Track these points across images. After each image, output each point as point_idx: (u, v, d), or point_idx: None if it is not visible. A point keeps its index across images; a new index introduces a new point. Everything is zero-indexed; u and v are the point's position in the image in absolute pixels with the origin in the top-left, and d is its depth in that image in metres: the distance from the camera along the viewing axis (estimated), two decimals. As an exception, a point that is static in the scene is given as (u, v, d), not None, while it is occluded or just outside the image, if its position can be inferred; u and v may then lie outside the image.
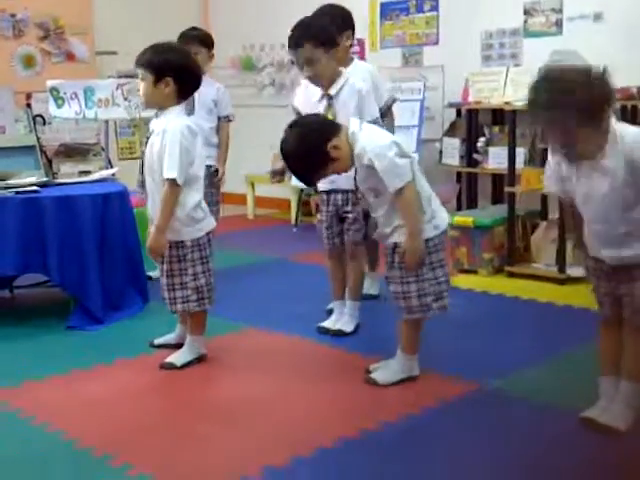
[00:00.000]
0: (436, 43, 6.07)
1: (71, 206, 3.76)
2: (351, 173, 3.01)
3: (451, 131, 5.84)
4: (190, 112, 4.48)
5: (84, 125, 6.05)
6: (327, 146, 2.84)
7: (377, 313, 3.86)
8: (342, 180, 3.31)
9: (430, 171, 5.87)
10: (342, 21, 3.91)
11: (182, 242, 3.15)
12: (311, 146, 2.85)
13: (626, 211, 2.38)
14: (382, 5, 6.34)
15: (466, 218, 4.79)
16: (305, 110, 3.57)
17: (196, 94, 4.33)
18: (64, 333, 3.71)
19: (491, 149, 5.33)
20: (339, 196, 3.53)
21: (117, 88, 5.34)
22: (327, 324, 3.65)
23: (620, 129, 2.37)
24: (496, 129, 5.44)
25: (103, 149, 5.88)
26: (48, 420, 2.74)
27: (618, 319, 2.53)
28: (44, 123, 6.05)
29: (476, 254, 4.72)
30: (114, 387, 3.07)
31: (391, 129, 3.83)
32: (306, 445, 2.51)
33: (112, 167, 5.57)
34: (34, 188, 3.83)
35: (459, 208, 5.78)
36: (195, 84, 3.26)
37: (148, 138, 3.26)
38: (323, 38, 3.45)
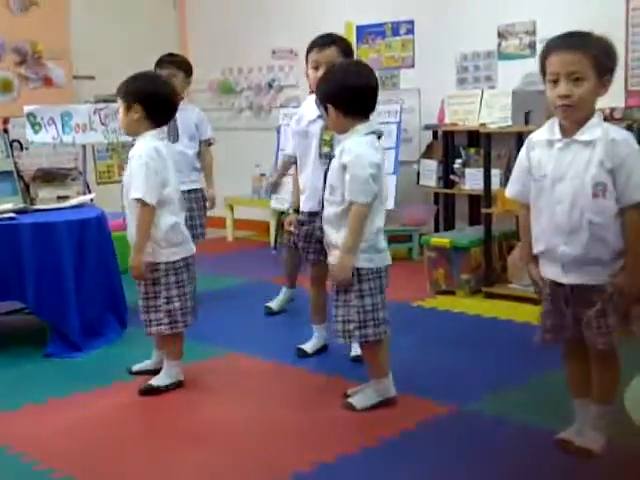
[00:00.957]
0: (412, 66, 6.14)
1: (48, 233, 3.74)
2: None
3: (428, 153, 5.90)
4: (174, 140, 4.50)
5: (62, 150, 6.06)
6: (356, 94, 2.91)
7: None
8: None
9: (408, 192, 5.97)
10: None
11: (157, 264, 3.17)
12: (355, 82, 2.92)
13: (595, 196, 2.36)
14: (358, 28, 6.41)
15: (443, 239, 4.82)
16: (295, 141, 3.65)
17: (178, 121, 4.39)
18: (41, 361, 3.68)
19: (467, 170, 5.39)
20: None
21: (94, 113, 5.34)
22: (306, 346, 3.66)
23: (604, 123, 2.42)
24: (472, 151, 5.50)
25: (81, 173, 5.88)
26: (23, 450, 2.72)
27: (581, 343, 2.51)
28: (21, 148, 6.05)
29: (454, 275, 4.75)
30: (91, 415, 3.04)
31: None
32: (282, 470, 2.50)
33: (90, 192, 5.57)
34: (11, 215, 3.82)
35: (437, 229, 5.82)
36: (167, 110, 3.30)
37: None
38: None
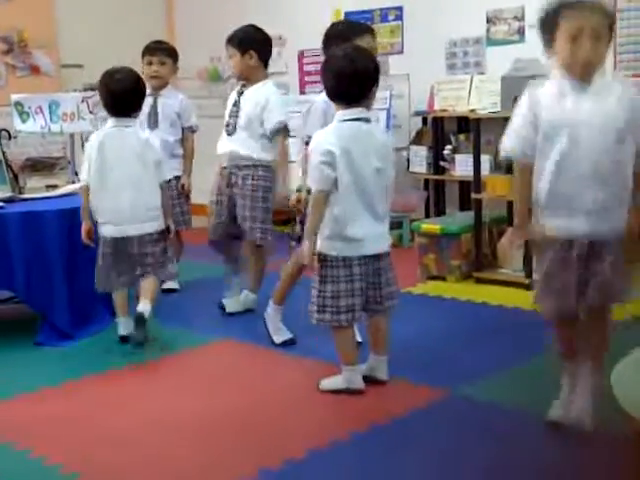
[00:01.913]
0: (401, 52, 6.12)
1: (37, 221, 3.73)
2: None
3: (418, 139, 5.89)
4: (154, 126, 4.53)
5: (51, 139, 6.01)
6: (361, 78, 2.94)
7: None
8: None
9: (398, 179, 5.90)
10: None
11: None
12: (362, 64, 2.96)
13: (618, 143, 2.46)
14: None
15: (434, 225, 4.83)
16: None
17: (159, 107, 4.44)
18: (32, 350, 3.67)
19: (457, 157, 5.39)
20: None
21: (82, 101, 5.31)
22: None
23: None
24: (462, 137, 5.49)
25: (70, 162, 5.84)
26: (15, 439, 2.72)
27: (575, 310, 2.55)
28: (9, 137, 6.00)
29: (444, 261, 4.76)
30: (83, 403, 3.05)
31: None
32: (275, 457, 2.51)
33: (79, 181, 5.53)
34: (-1, 204, 3.80)
35: (427, 215, 5.82)
36: (124, 103, 3.70)
37: None
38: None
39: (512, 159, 2.75)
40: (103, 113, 5.32)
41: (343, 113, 2.96)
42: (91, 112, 5.31)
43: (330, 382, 3.06)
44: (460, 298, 4.38)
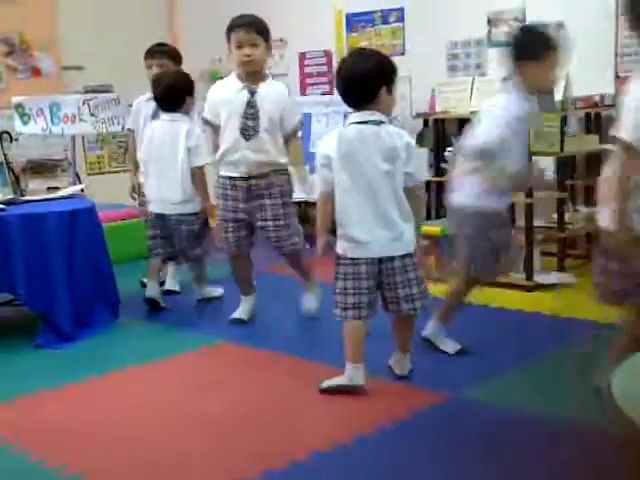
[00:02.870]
0: (402, 54, 6.11)
1: (38, 224, 3.73)
2: None
3: (419, 141, 5.88)
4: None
5: (52, 141, 6.01)
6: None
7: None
8: None
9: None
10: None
11: None
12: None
13: None
14: (348, 16, 6.38)
15: (435, 227, 4.82)
16: (218, 109, 3.73)
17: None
18: (32, 352, 3.67)
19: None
20: None
21: (83, 103, 5.32)
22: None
23: None
24: (463, 138, 5.48)
25: (71, 164, 5.84)
26: (14, 442, 2.71)
27: None
28: (11, 140, 6.00)
29: (445, 263, 4.75)
30: (83, 406, 3.04)
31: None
32: (278, 459, 2.50)
33: (80, 183, 5.54)
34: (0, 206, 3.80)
35: (428, 217, 5.81)
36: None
37: None
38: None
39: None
40: (104, 115, 5.36)
41: (351, 117, 2.99)
42: (92, 114, 5.31)
43: (332, 380, 3.07)
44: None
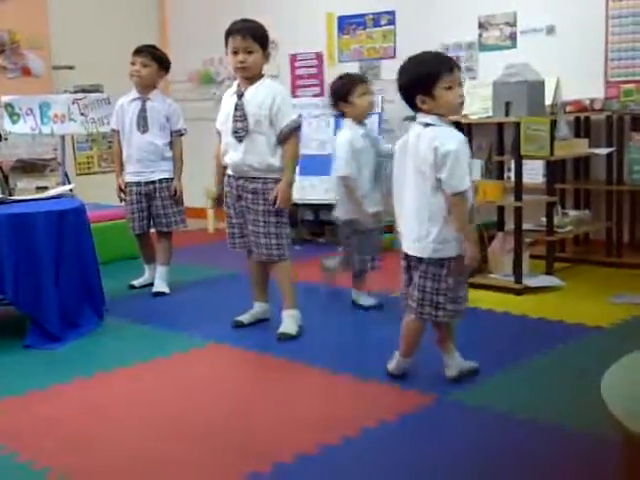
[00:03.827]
0: (393, 57, 6.13)
1: (26, 224, 3.71)
2: None
3: (409, 144, 5.89)
4: (144, 130, 4.57)
5: (41, 140, 6.00)
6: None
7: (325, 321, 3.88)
8: None
9: (389, 184, 5.95)
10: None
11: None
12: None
13: None
14: (339, 19, 6.39)
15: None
16: (220, 116, 3.82)
17: (148, 112, 4.50)
18: (20, 352, 3.65)
19: (449, 161, 5.39)
20: None
21: (73, 103, 5.31)
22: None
23: None
24: (453, 141, 5.49)
25: (60, 164, 5.83)
26: (1, 442, 2.69)
27: None
28: (0, 139, 5.98)
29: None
30: (71, 407, 3.03)
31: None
32: (264, 461, 2.50)
33: (69, 183, 5.53)
34: (-12, 206, 3.78)
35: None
36: None
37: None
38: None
39: None
40: (94, 115, 5.35)
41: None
42: (82, 114, 5.30)
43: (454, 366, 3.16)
44: (450, 303, 4.37)
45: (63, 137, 5.59)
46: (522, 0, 5.43)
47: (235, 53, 3.66)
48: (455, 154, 2.84)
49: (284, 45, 6.65)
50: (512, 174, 4.60)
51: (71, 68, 6.86)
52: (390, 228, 5.55)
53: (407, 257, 3.05)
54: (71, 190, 4.61)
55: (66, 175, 5.90)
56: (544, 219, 4.76)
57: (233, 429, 2.79)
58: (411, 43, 5.96)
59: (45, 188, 5.23)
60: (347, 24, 6.37)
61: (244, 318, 3.97)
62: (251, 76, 3.71)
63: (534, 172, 5.01)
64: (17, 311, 3.91)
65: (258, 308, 4.01)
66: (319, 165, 5.78)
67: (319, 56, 6.56)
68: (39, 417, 2.93)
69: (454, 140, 2.87)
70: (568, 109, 4.99)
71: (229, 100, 3.78)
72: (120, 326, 4.04)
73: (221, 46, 3.76)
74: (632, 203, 5.11)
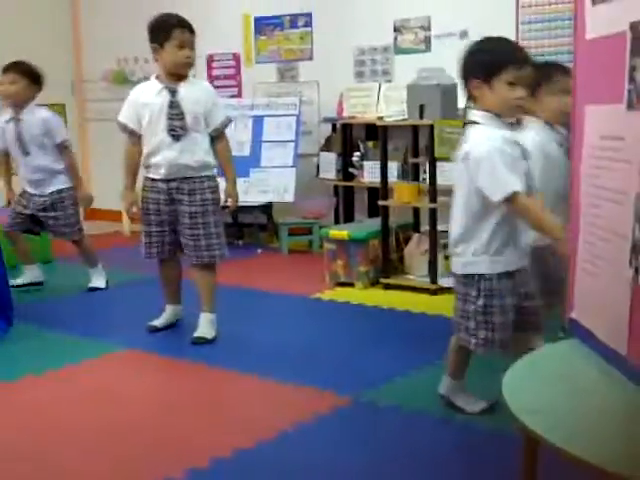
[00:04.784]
0: (311, 58, 6.14)
1: None
2: None
3: (327, 146, 5.92)
4: (25, 154, 4.50)
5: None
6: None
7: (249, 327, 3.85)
8: None
9: (307, 185, 5.98)
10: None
11: None
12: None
13: None
14: (256, 20, 6.37)
15: (341, 231, 4.85)
16: (140, 113, 3.60)
17: (23, 134, 4.49)
18: None
19: (366, 163, 5.44)
20: None
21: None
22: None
23: None
24: (370, 144, 5.55)
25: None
26: None
27: None
28: None
29: (352, 267, 4.78)
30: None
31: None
32: (178, 466, 2.46)
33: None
34: None
35: (337, 221, 5.85)
36: None
37: None
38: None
39: None
40: None
41: None
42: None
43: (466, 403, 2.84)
44: (367, 304, 4.41)
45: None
46: (436, 5, 5.51)
47: (182, 47, 3.56)
48: (488, 157, 2.43)
49: (200, 46, 6.52)
50: (427, 176, 4.67)
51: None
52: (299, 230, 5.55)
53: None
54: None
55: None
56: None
57: (146, 435, 2.73)
58: (328, 45, 6.01)
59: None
60: (264, 25, 6.35)
61: (158, 322, 3.90)
62: (187, 73, 3.66)
63: (449, 174, 5.10)
64: None
65: (171, 311, 3.95)
66: (238, 166, 5.74)
67: (236, 57, 6.52)
68: (-59, 429, 2.81)
69: (485, 143, 2.46)
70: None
71: (155, 98, 3.60)
72: (29, 333, 3.92)
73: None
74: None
